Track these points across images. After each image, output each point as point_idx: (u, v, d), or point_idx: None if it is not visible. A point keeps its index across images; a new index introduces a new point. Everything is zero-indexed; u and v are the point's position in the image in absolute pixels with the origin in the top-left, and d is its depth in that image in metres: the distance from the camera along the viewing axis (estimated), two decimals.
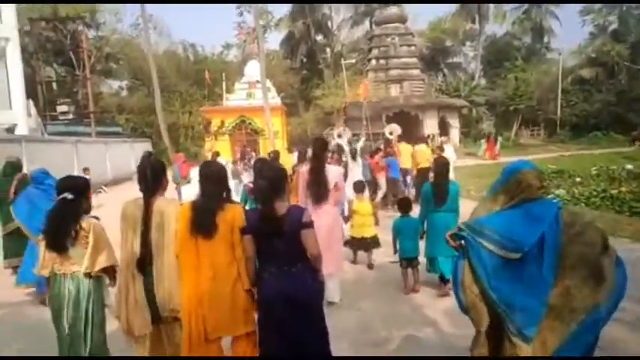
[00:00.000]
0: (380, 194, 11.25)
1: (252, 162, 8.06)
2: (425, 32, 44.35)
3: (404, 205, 5.85)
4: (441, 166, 5.52)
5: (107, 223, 3.57)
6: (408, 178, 12.04)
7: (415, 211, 5.82)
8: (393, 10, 34.57)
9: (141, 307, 3.20)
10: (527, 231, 2.59)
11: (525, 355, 2.56)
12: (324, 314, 3.22)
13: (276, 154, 9.09)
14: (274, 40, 65.89)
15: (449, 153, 11.68)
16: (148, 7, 27.55)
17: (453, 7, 44.18)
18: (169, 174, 3.84)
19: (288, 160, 10.58)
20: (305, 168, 5.19)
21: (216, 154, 13.30)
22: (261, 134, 25.96)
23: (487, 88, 41.07)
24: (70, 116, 29.58)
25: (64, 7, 31.95)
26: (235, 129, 27.27)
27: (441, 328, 4.50)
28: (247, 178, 11.17)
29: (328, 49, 44.69)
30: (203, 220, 3.03)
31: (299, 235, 3.01)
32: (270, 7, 43.62)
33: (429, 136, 22.46)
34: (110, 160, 22.01)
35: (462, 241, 2.82)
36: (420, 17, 57.66)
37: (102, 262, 3.34)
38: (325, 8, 43.54)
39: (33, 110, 22.09)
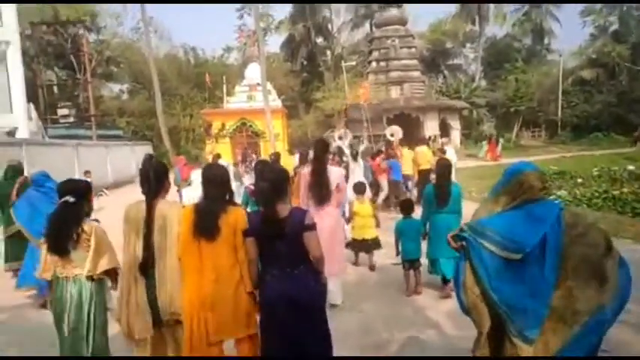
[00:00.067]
0: (382, 196, 11.23)
1: (253, 164, 8.05)
2: (425, 34, 44.42)
3: (406, 207, 5.83)
4: (443, 167, 5.50)
5: (108, 225, 3.58)
6: (410, 184, 12.02)
7: (417, 213, 5.81)
8: (393, 12, 34.64)
9: (142, 311, 3.19)
10: (529, 232, 2.58)
11: (527, 356, 2.55)
12: (326, 316, 3.20)
13: (276, 156, 9.09)
14: (275, 43, 66.02)
15: (450, 154, 11.67)
16: (149, 10, 27.61)
17: (453, 9, 44.31)
18: (171, 177, 3.83)
19: (289, 162, 10.59)
20: (306, 170, 5.18)
21: (218, 156, 13.32)
22: (262, 137, 25.97)
23: (487, 89, 41.11)
24: (71, 119, 29.66)
25: (64, 11, 32.02)
26: (236, 131, 27.29)
27: (443, 330, 4.48)
28: (248, 180, 11.17)
29: (329, 52, 44.75)
30: (206, 222, 3.02)
31: (301, 238, 3.00)
32: (271, 10, 43.77)
33: (430, 137, 22.46)
34: (111, 163, 22.01)
35: (464, 242, 2.81)
36: (420, 19, 57.88)
37: (104, 264, 3.34)
38: (325, 11, 43.62)
39: (34, 114, 22.11)
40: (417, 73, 34.15)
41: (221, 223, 3.02)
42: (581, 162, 20.64)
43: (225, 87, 28.75)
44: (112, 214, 5.36)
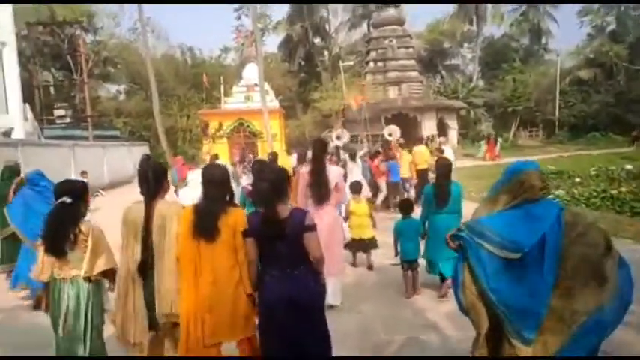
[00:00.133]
0: (380, 197, 11.21)
1: (251, 164, 8.02)
2: (423, 34, 44.46)
3: (405, 207, 5.78)
4: (443, 167, 5.46)
5: (105, 226, 3.54)
6: (407, 185, 12.00)
7: (417, 213, 5.78)
8: (390, 12, 34.70)
9: (139, 314, 3.18)
10: (528, 232, 2.57)
11: (525, 355, 2.54)
12: (325, 317, 3.20)
13: (274, 156, 9.06)
14: (272, 43, 66.02)
15: (448, 154, 11.62)
16: (146, 10, 27.52)
17: (450, 9, 44.38)
18: (169, 177, 3.80)
19: (287, 163, 10.54)
20: (305, 169, 5.15)
21: (215, 156, 13.29)
22: (260, 137, 25.91)
23: (485, 89, 41.18)
24: (68, 120, 29.57)
25: (61, 11, 31.92)
26: (233, 132, 27.23)
27: (442, 331, 4.45)
28: (246, 180, 11.11)
29: (326, 52, 44.76)
30: (205, 223, 3.01)
31: (301, 238, 2.99)
32: (268, 10, 43.71)
33: (428, 137, 22.45)
34: (107, 164, 21.95)
35: (461, 242, 2.80)
36: (418, 19, 58.09)
37: (101, 265, 3.33)
38: (323, 11, 43.62)
39: (30, 114, 22.04)
40: (414, 73, 34.20)
41: (221, 224, 3.01)
42: (578, 162, 20.68)
43: (222, 87, 28.68)
44: (109, 214, 5.32)
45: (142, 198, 3.26)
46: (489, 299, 2.62)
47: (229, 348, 3.23)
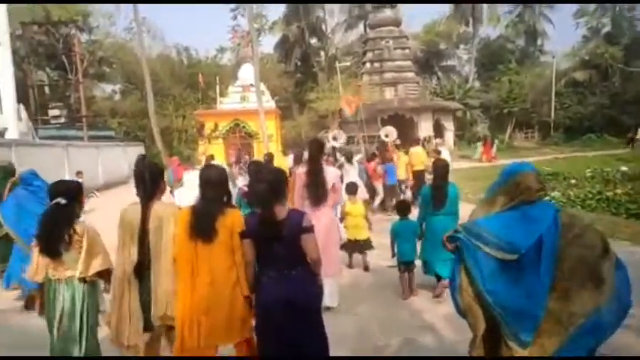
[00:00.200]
0: (377, 201, 11.20)
1: (247, 165, 7.99)
2: (419, 35, 44.56)
3: (402, 208, 5.73)
4: (441, 167, 5.43)
5: (99, 227, 3.52)
6: (403, 187, 12.00)
7: (414, 214, 5.75)
8: (387, 13, 34.74)
9: (134, 316, 3.16)
10: (525, 233, 2.56)
11: (522, 356, 2.53)
12: (322, 319, 3.19)
13: (270, 157, 9.03)
14: (268, 44, 65.84)
15: (444, 155, 11.62)
16: (141, 10, 27.43)
17: (447, 10, 44.47)
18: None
19: (283, 163, 10.51)
20: (302, 170, 5.12)
21: (211, 157, 13.24)
22: (255, 138, 25.86)
23: (481, 90, 41.32)
24: (62, 120, 29.41)
25: (56, 11, 31.77)
26: (229, 132, 27.17)
27: (439, 333, 4.43)
28: (242, 181, 11.07)
29: (322, 53, 44.79)
30: (203, 224, 2.99)
31: (299, 240, 2.98)
32: (265, 10, 43.69)
33: (425, 138, 22.48)
34: (102, 164, 21.85)
35: (458, 244, 2.79)
36: (414, 20, 57.95)
37: (96, 266, 3.32)
38: (319, 12, 43.63)
39: (24, 114, 21.94)
40: (411, 74, 34.27)
41: (218, 225, 2.99)
42: (574, 163, 20.73)
43: (218, 87, 28.62)
44: (103, 215, 5.28)
45: (137, 199, 3.24)
46: (486, 301, 2.61)
47: (227, 348, 3.21)
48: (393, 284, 5.68)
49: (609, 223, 8.49)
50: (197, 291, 2.98)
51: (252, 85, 24.53)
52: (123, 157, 24.66)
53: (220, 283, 3.00)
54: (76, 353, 3.26)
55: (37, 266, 3.32)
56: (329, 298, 4.93)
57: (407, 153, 12.45)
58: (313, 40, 44.75)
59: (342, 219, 6.62)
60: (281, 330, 2.98)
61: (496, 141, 30.00)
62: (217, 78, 29.68)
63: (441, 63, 47.97)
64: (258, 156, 20.25)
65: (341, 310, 5.06)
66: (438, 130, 32.03)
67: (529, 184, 2.68)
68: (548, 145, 35.44)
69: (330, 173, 5.08)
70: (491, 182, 2.92)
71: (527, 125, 40.89)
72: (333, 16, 44.62)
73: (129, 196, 3.22)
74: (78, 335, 3.26)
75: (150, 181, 3.20)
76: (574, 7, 43.47)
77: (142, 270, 3.15)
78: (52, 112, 29.51)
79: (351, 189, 6.81)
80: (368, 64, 34.67)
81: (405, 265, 5.47)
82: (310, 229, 3.02)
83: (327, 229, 4.79)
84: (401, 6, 36.90)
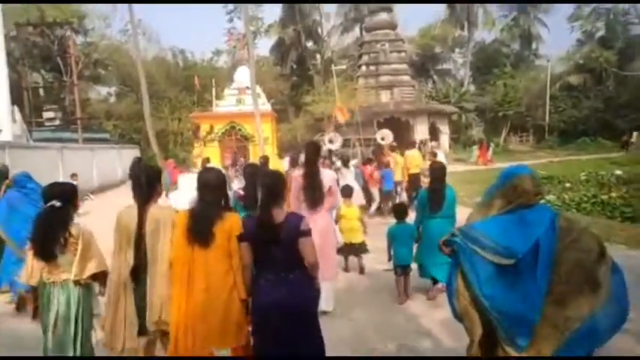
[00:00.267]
0: (374, 206, 11.18)
1: (243, 168, 7.96)
2: (415, 39, 44.63)
3: (400, 212, 5.70)
4: (438, 170, 5.42)
5: (93, 230, 3.49)
6: (399, 189, 11.98)
7: (411, 217, 5.72)
8: (382, 16, 34.80)
9: (129, 321, 3.14)
10: (522, 237, 2.55)
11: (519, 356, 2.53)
12: (319, 322, 3.18)
13: (265, 160, 8.99)
14: (264, 47, 65.79)
15: (440, 159, 11.63)
16: (137, 12, 27.36)
17: (442, 14, 44.60)
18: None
19: (279, 166, 10.50)
20: (298, 172, 5.10)
21: (207, 160, 13.20)
22: (251, 140, 25.83)
23: (476, 94, 41.41)
24: (57, 122, 29.24)
25: (51, 12, 31.64)
26: (225, 135, 27.12)
27: (436, 338, 4.41)
28: (238, 184, 11.03)
29: (318, 56, 44.76)
30: (201, 228, 2.97)
31: (296, 243, 2.98)
32: (261, 13, 43.71)
33: (422, 141, 22.50)
34: (97, 167, 21.72)
35: (455, 247, 2.78)
36: (410, 24, 58.32)
37: (91, 268, 3.30)
38: (315, 14, 43.68)
39: (18, 116, 21.77)
40: (406, 78, 34.32)
41: (216, 229, 2.97)
42: (568, 167, 20.80)
43: (214, 90, 28.58)
44: (98, 219, 5.23)
45: (132, 201, 3.22)
46: (482, 305, 2.61)
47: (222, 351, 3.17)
48: (388, 288, 5.66)
49: (605, 226, 8.51)
50: (192, 296, 2.95)
51: (248, 87, 24.51)
52: (118, 160, 24.54)
53: (216, 288, 2.97)
54: (69, 354, 3.25)
55: (31, 269, 3.30)
56: (325, 302, 4.90)
57: (402, 155, 12.46)
58: (309, 43, 44.76)
59: (336, 221, 6.61)
60: (278, 333, 2.97)
61: (492, 144, 30.08)
62: (213, 80, 29.64)
63: (436, 66, 48.08)
64: (254, 159, 20.19)
65: (336, 315, 5.03)
66: (434, 134, 32.09)
67: (526, 187, 2.67)
68: (542, 148, 35.58)
69: (327, 176, 5.06)
70: (486, 185, 2.92)
71: (522, 129, 41.04)
72: (329, 19, 44.72)
73: (124, 198, 3.20)
74: (73, 339, 3.25)
75: (146, 184, 3.19)
76: (569, 11, 43.81)
77: (139, 274, 3.13)
78: (47, 115, 29.32)
79: (347, 192, 6.79)
80: (364, 67, 34.70)
81: (402, 269, 5.44)
82: (308, 233, 3.02)
83: (323, 232, 4.76)
84: (397, 10, 37.05)
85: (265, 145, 21.87)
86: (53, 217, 3.24)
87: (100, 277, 3.38)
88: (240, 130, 26.94)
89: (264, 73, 37.29)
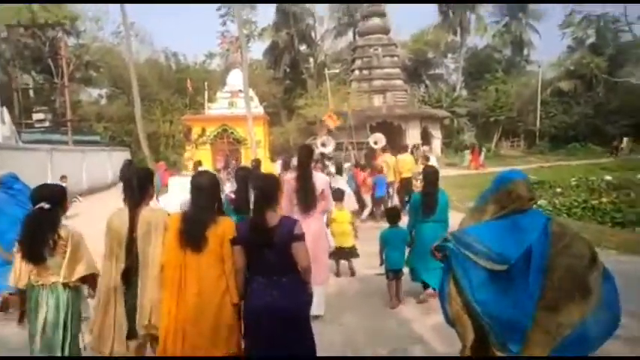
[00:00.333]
0: (366, 212, 11.17)
1: (235, 171, 7.91)
2: (407, 44, 44.87)
3: (393, 216, 5.67)
4: (431, 174, 5.40)
5: (82, 233, 3.43)
6: (391, 190, 11.96)
7: (403, 221, 5.70)
8: (376, 21, 34.96)
9: (119, 325, 3.11)
10: (515, 243, 2.55)
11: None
12: (311, 326, 3.16)
13: (257, 163, 8.95)
14: (257, 50, 65.77)
15: (432, 163, 11.64)
16: (130, 14, 27.23)
17: (435, 19, 44.88)
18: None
19: (271, 170, 10.46)
20: (290, 176, 5.07)
21: (199, 163, 13.14)
22: (243, 143, 25.72)
23: (468, 99, 41.66)
24: (47, 124, 28.99)
25: (43, 14, 31.41)
26: (217, 138, 27.01)
27: (428, 344, 4.37)
28: (230, 187, 10.97)
29: (312, 59, 44.83)
30: (194, 232, 2.94)
31: (290, 247, 2.95)
32: (254, 16, 43.69)
33: (414, 146, 22.56)
34: (86, 169, 21.55)
35: (447, 252, 2.77)
36: (403, 29, 58.52)
37: (81, 271, 3.26)
38: (309, 18, 43.76)
39: (7, 118, 21.56)
40: (399, 82, 34.46)
41: (209, 233, 2.93)
42: (559, 172, 20.94)
43: (206, 93, 28.48)
44: (87, 220, 5.17)
45: (122, 204, 3.19)
46: (474, 311, 2.60)
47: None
48: (379, 292, 5.63)
49: (595, 231, 8.55)
50: (184, 300, 2.92)
51: (240, 90, 24.43)
52: (108, 162, 24.37)
53: (208, 293, 2.94)
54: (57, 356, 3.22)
55: (19, 272, 3.26)
56: (316, 307, 4.84)
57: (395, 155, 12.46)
58: (302, 47, 44.82)
59: (328, 225, 6.59)
60: (269, 336, 2.95)
61: (484, 149, 30.24)
62: (206, 83, 29.52)
63: (429, 71, 48.35)
64: (246, 162, 20.11)
65: (327, 319, 4.98)
66: (426, 138, 32.22)
67: (521, 193, 2.68)
68: (533, 153, 35.81)
69: (320, 179, 5.04)
70: (478, 190, 2.91)
71: (514, 134, 41.30)
72: (322, 23, 44.87)
73: (113, 201, 3.16)
74: (61, 343, 3.20)
75: (138, 186, 3.16)
76: (560, 17, 44.36)
77: (130, 277, 3.10)
78: (37, 116, 29.04)
79: (338, 195, 6.77)
80: (357, 72, 34.80)
81: (394, 273, 5.41)
82: (302, 237, 3.00)
83: (316, 236, 4.73)
84: (390, 15, 37.22)
85: (257, 148, 21.80)
86: (42, 219, 3.20)
87: (90, 279, 3.34)
88: (232, 133, 26.83)
89: (257, 77, 37.24)
